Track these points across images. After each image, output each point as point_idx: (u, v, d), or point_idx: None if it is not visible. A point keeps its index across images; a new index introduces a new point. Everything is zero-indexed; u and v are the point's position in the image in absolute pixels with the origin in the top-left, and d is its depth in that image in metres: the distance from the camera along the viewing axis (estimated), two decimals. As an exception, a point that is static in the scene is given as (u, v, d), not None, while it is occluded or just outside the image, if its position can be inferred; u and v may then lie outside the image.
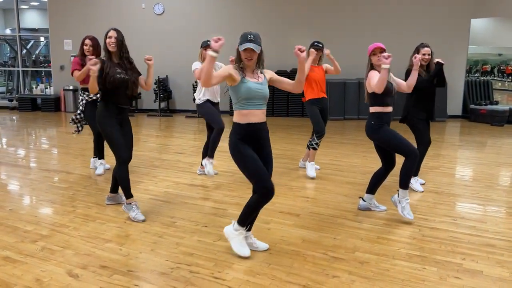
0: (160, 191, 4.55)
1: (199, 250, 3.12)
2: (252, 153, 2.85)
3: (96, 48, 4.82)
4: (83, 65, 4.80)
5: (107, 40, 3.58)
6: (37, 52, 15.53)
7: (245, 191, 4.57)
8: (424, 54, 4.38)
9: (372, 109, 3.71)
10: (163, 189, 4.63)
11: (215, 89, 4.91)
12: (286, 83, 3.03)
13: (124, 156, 3.62)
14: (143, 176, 5.10)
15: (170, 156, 6.25)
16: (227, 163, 5.74)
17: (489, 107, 10.42)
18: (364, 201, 3.99)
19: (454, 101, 10.79)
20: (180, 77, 11.33)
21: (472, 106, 10.67)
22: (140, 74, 3.77)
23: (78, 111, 5.07)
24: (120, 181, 3.68)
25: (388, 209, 4.00)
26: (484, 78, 11.39)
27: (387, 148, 3.75)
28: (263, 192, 2.83)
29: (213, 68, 2.71)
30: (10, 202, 4.16)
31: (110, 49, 3.58)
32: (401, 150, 3.63)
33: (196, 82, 10.99)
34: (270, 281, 2.69)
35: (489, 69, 17.88)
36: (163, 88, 11.05)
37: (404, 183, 3.67)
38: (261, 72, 2.94)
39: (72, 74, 4.86)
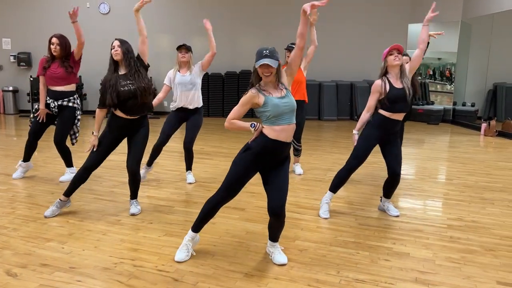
0: (105, 191, 4.51)
1: (143, 246, 3.15)
2: (249, 173, 2.84)
3: (64, 48, 4.50)
4: (45, 68, 4.52)
5: (112, 51, 3.52)
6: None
7: (192, 189, 4.63)
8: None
9: None
10: (108, 188, 4.59)
11: (193, 96, 4.60)
12: (294, 54, 2.84)
13: (87, 164, 3.69)
14: (88, 177, 5.01)
15: (113, 157, 6.15)
16: (172, 162, 5.77)
17: (426, 107, 11.09)
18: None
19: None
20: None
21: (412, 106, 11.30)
22: (149, 81, 3.63)
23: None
24: (73, 179, 3.73)
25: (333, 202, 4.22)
26: (421, 80, 12.10)
27: None
28: (218, 198, 2.89)
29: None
30: None
31: (116, 58, 3.51)
32: None
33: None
34: (213, 270, 2.78)
35: (431, 72, 19.06)
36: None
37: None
38: (283, 85, 2.78)
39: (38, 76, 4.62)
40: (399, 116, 3.66)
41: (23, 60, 11.11)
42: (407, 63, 4.46)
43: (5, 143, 7.19)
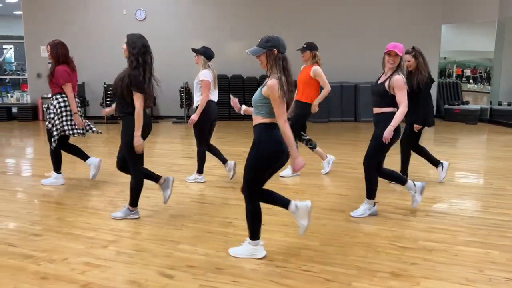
0: (196, 194, 4.59)
1: (271, 247, 3.21)
2: None
3: (54, 55, 4.57)
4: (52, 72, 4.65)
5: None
6: (1, 59, 14.90)
7: (280, 190, 4.67)
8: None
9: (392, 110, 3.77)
10: (197, 192, 4.67)
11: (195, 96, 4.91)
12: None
13: None
14: (171, 181, 5.10)
15: (182, 161, 6.25)
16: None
17: (462, 106, 11.11)
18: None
19: (428, 102, 11.46)
20: (165, 83, 11.22)
21: (446, 106, 11.35)
22: (131, 84, 3.48)
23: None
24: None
25: (424, 202, 4.27)
26: (454, 80, 12.16)
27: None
28: None
29: None
30: (51, 210, 4.05)
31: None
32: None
33: (182, 88, 11.02)
34: (357, 270, 2.84)
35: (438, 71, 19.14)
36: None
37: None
38: (268, 80, 2.83)
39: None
40: (376, 109, 3.85)
41: (62, 67, 11.22)
42: (408, 61, 4.59)
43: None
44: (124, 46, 3.58)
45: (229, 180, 5.04)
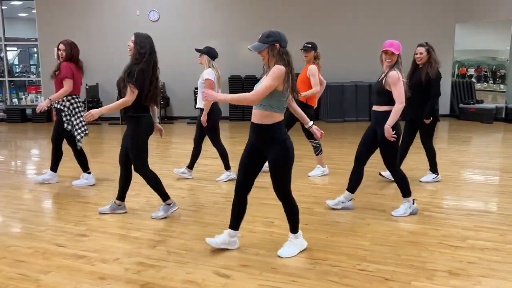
0: (230, 194, 4.49)
1: (320, 246, 3.18)
2: (246, 149, 3.04)
3: (68, 54, 4.59)
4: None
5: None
6: (11, 61, 14.90)
7: (313, 190, 4.67)
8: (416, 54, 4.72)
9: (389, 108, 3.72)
10: (230, 191, 4.58)
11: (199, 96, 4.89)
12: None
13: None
14: (202, 181, 5.10)
15: (208, 161, 6.22)
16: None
17: (478, 105, 11.08)
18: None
19: (442, 101, 11.36)
20: (178, 83, 11.26)
21: (461, 105, 11.31)
22: (128, 79, 3.49)
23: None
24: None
25: (464, 203, 4.24)
26: (467, 79, 12.11)
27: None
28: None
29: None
30: (90, 211, 4.03)
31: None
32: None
33: (196, 88, 11.01)
34: (415, 270, 2.82)
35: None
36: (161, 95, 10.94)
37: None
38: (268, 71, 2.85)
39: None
40: (374, 107, 3.86)
41: (76, 68, 11.21)
42: (421, 53, 4.64)
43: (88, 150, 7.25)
44: (131, 44, 3.58)
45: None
